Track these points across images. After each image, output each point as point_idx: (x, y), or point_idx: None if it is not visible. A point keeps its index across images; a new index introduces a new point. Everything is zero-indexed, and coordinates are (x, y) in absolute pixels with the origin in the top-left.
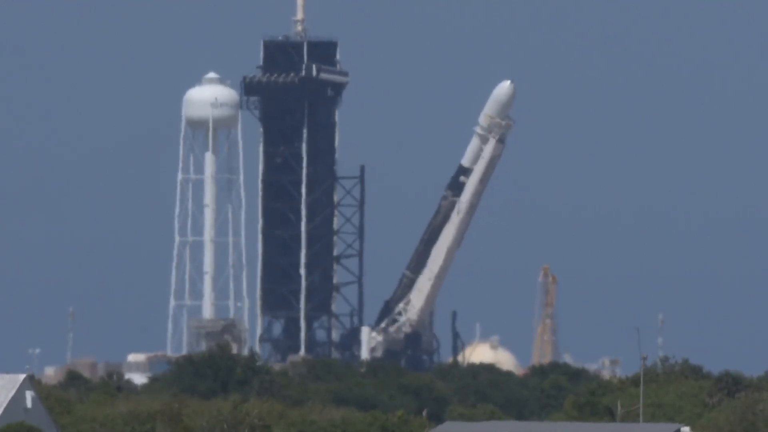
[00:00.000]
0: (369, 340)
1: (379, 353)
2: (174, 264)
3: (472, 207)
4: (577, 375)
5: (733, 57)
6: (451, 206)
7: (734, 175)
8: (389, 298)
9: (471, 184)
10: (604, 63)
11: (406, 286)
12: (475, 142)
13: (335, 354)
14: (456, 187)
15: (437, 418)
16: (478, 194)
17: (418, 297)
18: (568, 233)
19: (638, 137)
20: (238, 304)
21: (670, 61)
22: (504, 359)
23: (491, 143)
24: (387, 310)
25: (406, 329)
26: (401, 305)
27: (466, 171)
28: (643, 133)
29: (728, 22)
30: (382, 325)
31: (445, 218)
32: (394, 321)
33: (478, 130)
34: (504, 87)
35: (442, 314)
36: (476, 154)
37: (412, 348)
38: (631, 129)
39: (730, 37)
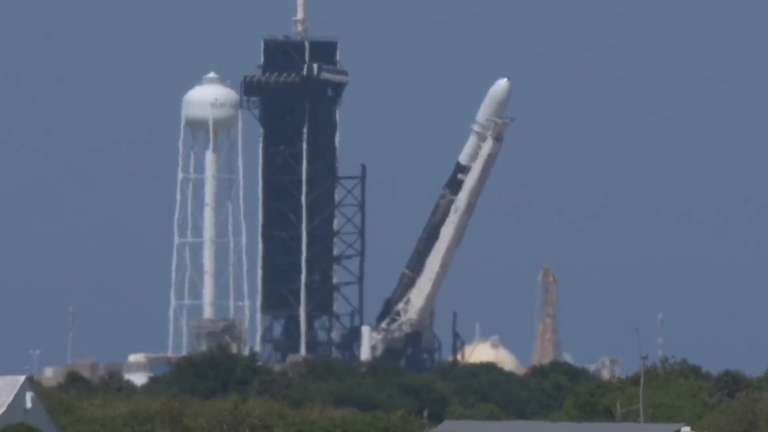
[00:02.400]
0: (370, 340)
1: (379, 352)
2: (174, 264)
3: (471, 206)
4: (577, 375)
5: (733, 55)
6: (449, 205)
7: (735, 174)
8: (389, 298)
9: (469, 182)
10: (602, 59)
11: (405, 286)
12: (472, 141)
13: (336, 354)
14: (454, 186)
15: (437, 418)
16: (476, 193)
17: (417, 296)
18: (568, 233)
19: (638, 136)
20: (239, 304)
21: (668, 58)
22: (504, 359)
23: (489, 141)
24: (387, 310)
25: (406, 329)
26: (401, 305)
27: (463, 169)
28: (643, 132)
29: (730, 19)
30: (383, 324)
31: (444, 217)
32: (394, 320)
33: (475, 128)
34: (501, 85)
35: (442, 314)
36: (474, 152)
37: (413, 347)
38: (631, 127)
39: (730, 34)
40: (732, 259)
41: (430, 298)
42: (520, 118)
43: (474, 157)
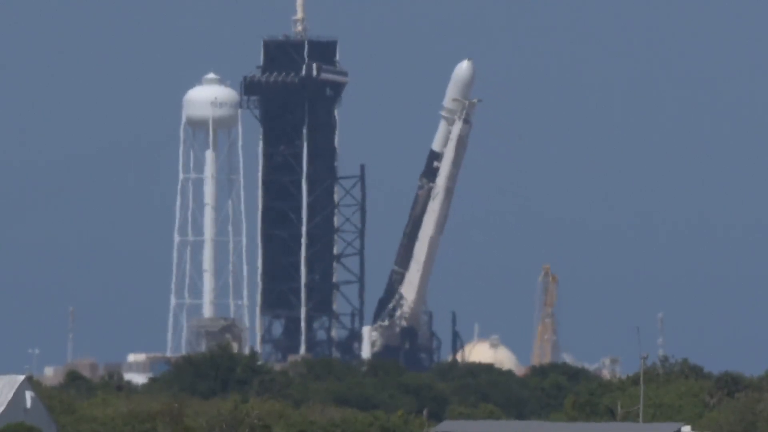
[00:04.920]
0: (370, 338)
1: (377, 349)
2: (174, 263)
3: (449, 191)
4: (577, 375)
5: (703, 43)
6: (428, 194)
7: (735, 175)
8: (382, 297)
9: (444, 167)
10: (599, 55)
11: (396, 282)
12: (443, 126)
13: (336, 354)
14: (430, 174)
15: (437, 418)
16: (452, 177)
17: (409, 290)
18: (569, 233)
19: (638, 137)
20: (239, 303)
21: (646, 42)
22: (504, 359)
23: (457, 124)
24: (381, 308)
25: (402, 323)
26: (394, 300)
27: (438, 156)
28: (644, 133)
29: (702, 11)
30: (379, 322)
31: (424, 208)
32: (390, 317)
33: (443, 113)
34: (463, 67)
35: (441, 314)
36: (445, 137)
37: (410, 342)
38: (630, 127)
39: (731, 35)
40: (732, 260)
41: (421, 290)
42: (526, 118)
43: (446, 142)
